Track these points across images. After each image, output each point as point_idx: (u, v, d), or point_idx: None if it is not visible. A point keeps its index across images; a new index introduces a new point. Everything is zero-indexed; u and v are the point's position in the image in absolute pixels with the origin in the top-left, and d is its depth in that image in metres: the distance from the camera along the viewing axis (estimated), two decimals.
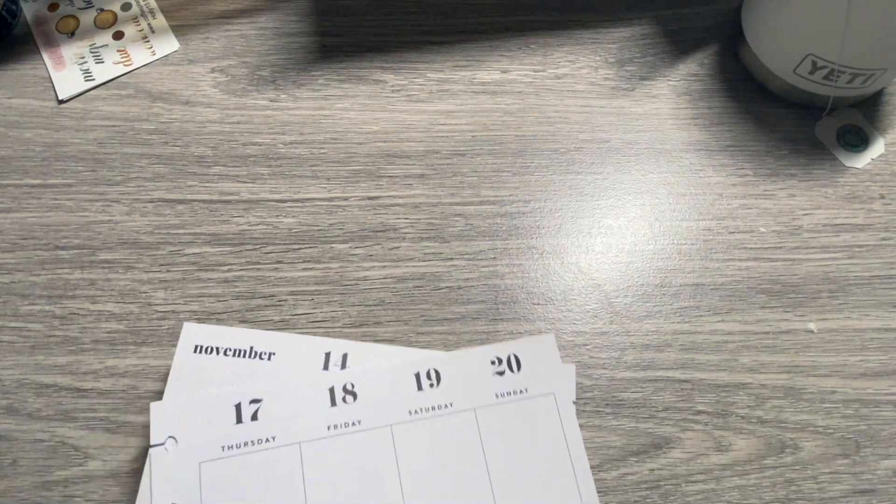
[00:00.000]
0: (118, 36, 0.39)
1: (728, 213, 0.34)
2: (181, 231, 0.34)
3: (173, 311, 0.32)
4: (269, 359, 0.29)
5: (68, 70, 0.38)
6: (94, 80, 0.37)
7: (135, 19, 0.39)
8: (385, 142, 0.36)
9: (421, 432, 0.28)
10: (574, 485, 0.28)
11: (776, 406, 0.30)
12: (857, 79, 0.32)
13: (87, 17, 0.39)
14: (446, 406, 0.28)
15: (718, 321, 0.32)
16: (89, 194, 0.35)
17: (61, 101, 0.37)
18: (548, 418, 0.28)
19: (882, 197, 0.34)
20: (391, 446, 0.27)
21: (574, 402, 0.29)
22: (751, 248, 0.33)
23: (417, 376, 0.28)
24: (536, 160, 0.36)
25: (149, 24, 0.39)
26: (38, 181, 0.35)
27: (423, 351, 0.30)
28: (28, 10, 0.40)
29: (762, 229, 0.34)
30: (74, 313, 0.32)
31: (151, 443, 0.27)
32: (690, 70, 0.37)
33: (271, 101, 0.37)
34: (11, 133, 0.36)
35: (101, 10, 0.40)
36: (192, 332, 0.30)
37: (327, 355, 0.29)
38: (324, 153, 0.36)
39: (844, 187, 0.35)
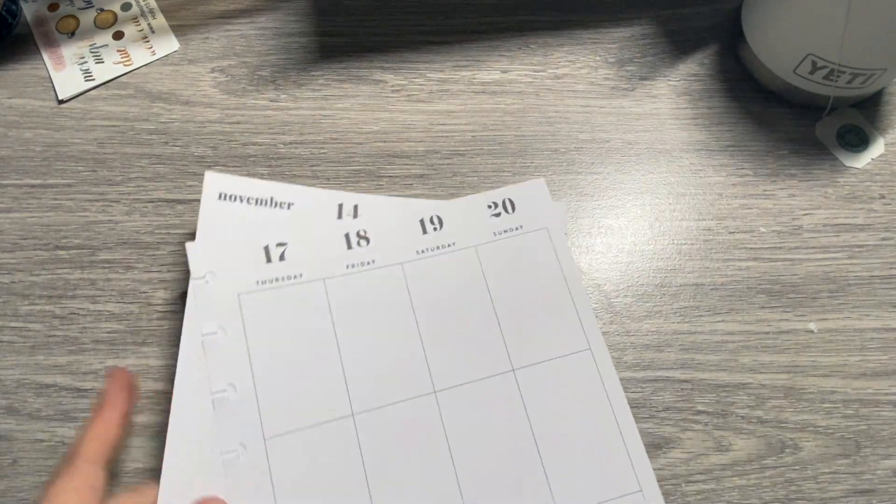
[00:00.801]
0: (118, 36, 0.39)
1: (728, 213, 0.34)
2: (181, 231, 0.34)
3: (173, 312, 0.32)
4: (287, 208, 0.32)
5: (68, 70, 0.38)
6: (94, 80, 0.37)
7: (135, 19, 0.39)
8: (385, 142, 0.36)
9: (428, 269, 0.31)
10: (573, 307, 0.30)
11: (776, 406, 0.30)
12: (857, 79, 0.32)
13: (87, 17, 0.39)
14: (449, 245, 0.31)
15: (718, 321, 0.32)
16: (89, 194, 0.35)
17: (61, 101, 0.37)
18: (543, 250, 0.31)
19: (882, 197, 0.34)
20: (403, 282, 0.30)
21: (566, 235, 0.32)
22: (751, 248, 0.33)
23: (422, 222, 0.32)
24: (536, 160, 0.36)
25: (149, 24, 0.39)
26: (38, 181, 0.35)
27: (426, 200, 0.33)
28: (28, 10, 0.40)
29: (762, 229, 0.34)
30: (74, 313, 0.32)
31: (192, 277, 0.29)
32: (690, 70, 0.37)
33: (271, 101, 0.37)
34: (11, 133, 0.36)
35: (101, 10, 0.40)
36: (215, 181, 0.32)
37: (340, 206, 0.32)
38: (324, 153, 0.36)
39: (844, 187, 0.34)
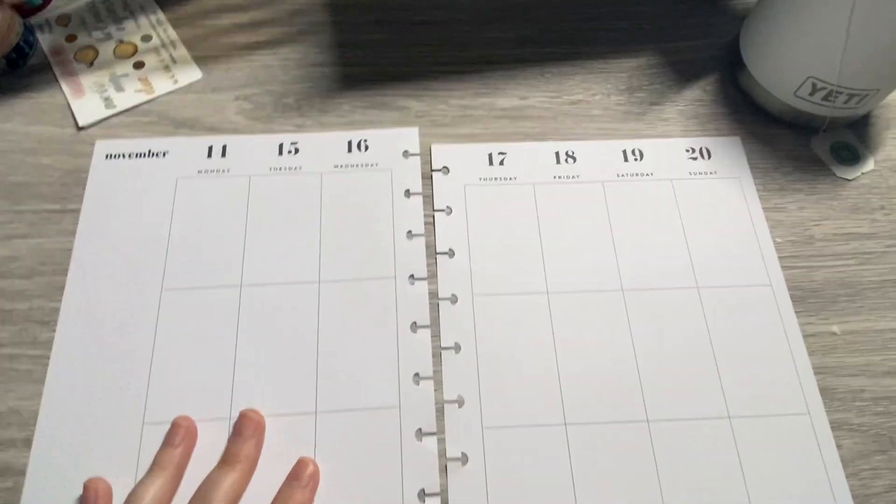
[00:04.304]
0: (139, 65, 0.39)
1: None
2: None
3: None
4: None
5: (88, 98, 0.37)
6: (115, 107, 0.37)
7: (156, 50, 0.39)
8: None
9: (626, 191, 0.36)
10: (756, 245, 0.34)
11: None
12: (852, 99, 0.35)
13: (106, 48, 0.39)
14: (648, 174, 0.36)
15: None
16: None
17: (81, 128, 0.37)
18: (734, 194, 0.36)
19: (882, 208, 0.36)
20: (602, 199, 0.36)
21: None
22: None
23: (624, 152, 0.37)
24: None
25: (170, 55, 0.39)
26: (56, 206, 0.34)
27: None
28: (45, 41, 0.39)
29: (778, 239, 0.35)
30: None
31: (433, 169, 0.36)
32: (695, 96, 0.40)
33: (297, 126, 0.37)
34: (29, 159, 0.35)
35: (122, 41, 0.40)
36: None
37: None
38: None
39: (847, 200, 0.37)
